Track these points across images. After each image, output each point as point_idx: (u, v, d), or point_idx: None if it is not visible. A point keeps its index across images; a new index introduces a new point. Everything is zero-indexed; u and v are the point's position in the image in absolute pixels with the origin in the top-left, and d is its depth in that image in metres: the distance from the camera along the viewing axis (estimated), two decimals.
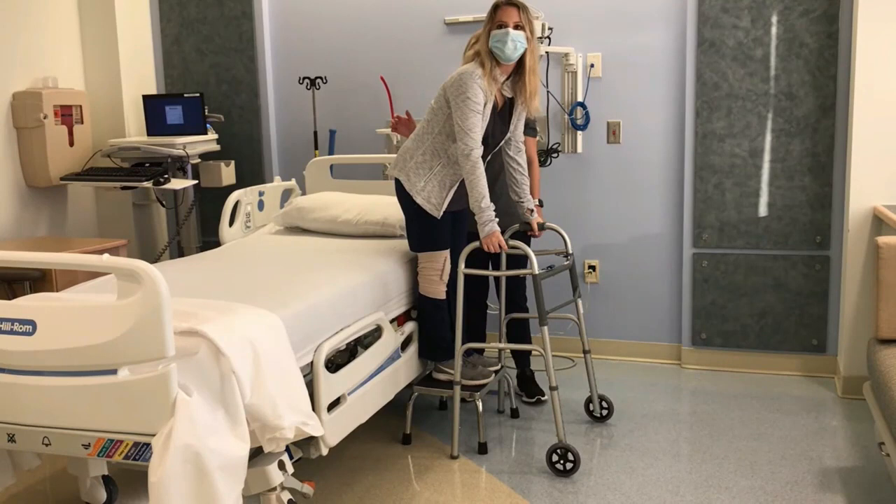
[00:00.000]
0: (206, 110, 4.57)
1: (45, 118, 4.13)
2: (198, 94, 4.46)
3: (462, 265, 3.11)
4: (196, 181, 4.45)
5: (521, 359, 3.82)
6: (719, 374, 4.06)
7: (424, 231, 3.20)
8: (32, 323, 2.13)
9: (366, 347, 2.96)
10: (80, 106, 4.38)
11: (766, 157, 3.94)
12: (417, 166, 3.15)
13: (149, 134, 4.51)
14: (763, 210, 3.97)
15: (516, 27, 3.02)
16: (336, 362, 2.86)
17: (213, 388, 2.13)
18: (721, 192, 4.01)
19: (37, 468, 2.73)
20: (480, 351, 3.60)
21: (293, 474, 2.41)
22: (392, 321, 3.15)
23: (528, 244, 3.13)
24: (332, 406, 2.66)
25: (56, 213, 4.43)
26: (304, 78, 4.65)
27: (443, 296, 3.25)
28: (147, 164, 4.29)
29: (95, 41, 4.58)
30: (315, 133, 4.63)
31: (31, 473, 3.07)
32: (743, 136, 3.96)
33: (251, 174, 4.83)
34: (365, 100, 4.64)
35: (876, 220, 3.62)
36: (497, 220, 3.04)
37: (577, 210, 4.31)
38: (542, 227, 3.36)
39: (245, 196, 3.85)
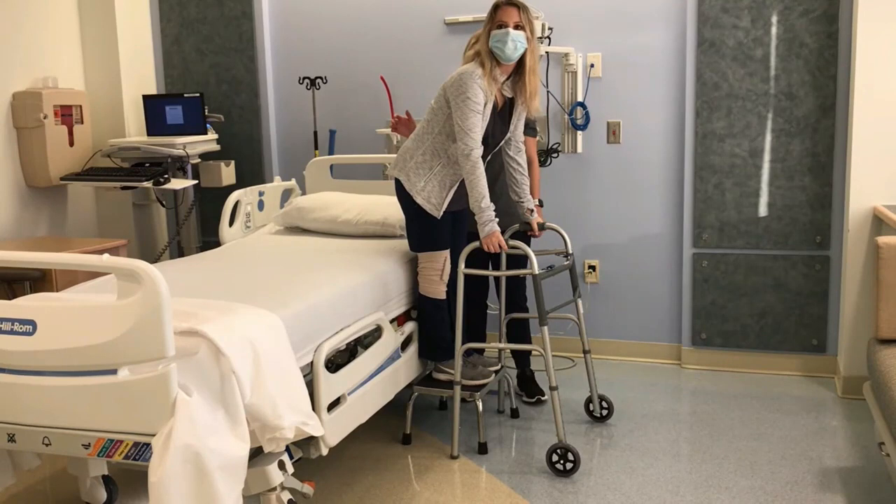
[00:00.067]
0: (206, 110, 4.57)
1: (45, 118, 4.13)
2: (198, 94, 4.46)
3: (462, 265, 3.11)
4: (196, 181, 4.45)
5: (521, 359, 3.82)
6: (719, 374, 4.06)
7: (424, 231, 3.20)
8: (32, 323, 2.13)
9: (366, 347, 2.96)
10: (80, 106, 4.38)
11: (766, 157, 3.94)
12: (417, 166, 3.15)
13: (149, 134, 4.51)
14: (763, 210, 3.97)
15: (516, 27, 3.02)
16: (336, 362, 2.86)
17: (213, 388, 2.13)
18: (721, 192, 4.01)
19: (37, 468, 2.72)
20: (480, 351, 3.60)
21: (293, 474, 2.41)
22: (392, 321, 3.15)
23: (528, 244, 3.13)
24: (332, 406, 2.66)
25: (56, 213, 4.43)
26: (304, 78, 4.65)
27: (443, 296, 3.25)
28: (147, 164, 4.29)
29: (95, 41, 4.58)
30: (315, 133, 4.63)
31: (31, 473, 3.07)
32: (743, 136, 3.96)
33: (251, 174, 4.83)
34: (365, 100, 4.64)
35: (876, 220, 3.62)
36: (497, 220, 3.04)
37: (577, 210, 4.31)
38: (542, 227, 3.36)
39: (245, 196, 3.85)
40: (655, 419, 3.50)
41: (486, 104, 3.04)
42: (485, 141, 3.07)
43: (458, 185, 3.18)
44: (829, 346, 3.97)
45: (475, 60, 3.07)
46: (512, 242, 3.05)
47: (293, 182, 4.24)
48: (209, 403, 2.11)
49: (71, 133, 4.32)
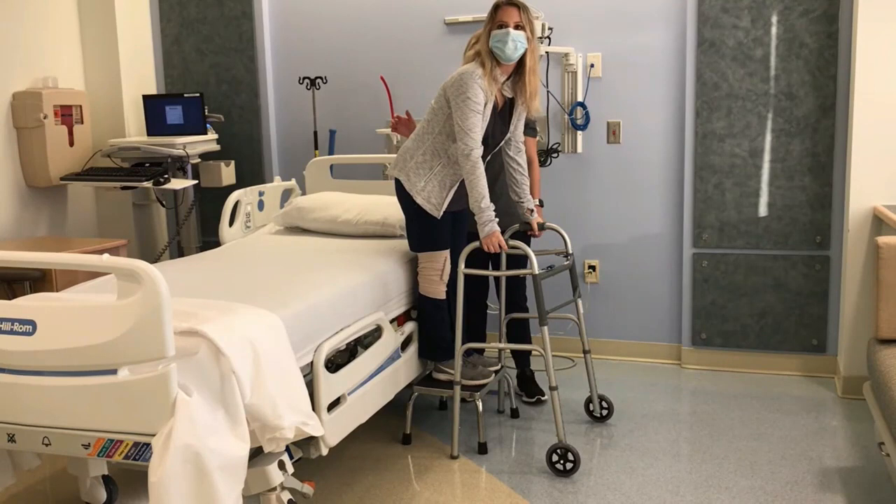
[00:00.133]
0: (206, 110, 4.57)
1: (45, 118, 4.13)
2: (198, 94, 4.46)
3: (462, 265, 3.11)
4: (196, 181, 4.45)
5: (521, 359, 3.82)
6: (719, 374, 4.06)
7: (424, 231, 3.20)
8: (32, 323, 2.13)
9: (366, 347, 2.96)
10: (80, 106, 4.38)
11: (766, 157, 3.94)
12: (417, 166, 3.15)
13: (149, 134, 4.51)
14: (763, 210, 3.97)
15: (517, 27, 3.02)
16: (336, 362, 2.87)
17: (213, 388, 2.13)
18: (721, 192, 4.01)
19: (37, 468, 2.72)
20: (480, 351, 3.60)
21: (293, 474, 2.41)
22: (392, 321, 3.15)
23: (528, 244, 3.13)
24: (332, 406, 2.66)
25: (56, 213, 4.43)
26: (304, 78, 4.65)
27: (443, 296, 3.25)
28: (147, 164, 4.29)
29: (95, 41, 4.58)
30: (315, 133, 4.63)
31: (31, 473, 3.07)
32: (743, 136, 3.96)
33: (251, 174, 4.83)
34: (365, 100, 4.64)
35: (876, 220, 3.62)
36: (497, 220, 3.04)
37: (577, 210, 4.31)
38: (542, 227, 3.36)
39: (245, 196, 3.85)
40: (655, 419, 3.50)
41: (486, 104, 3.04)
42: (485, 141, 3.07)
43: (458, 185, 3.18)
44: (829, 346, 3.97)
45: (475, 60, 3.07)
46: (512, 242, 3.05)
47: (293, 182, 4.24)
48: (209, 403, 2.11)
49: (71, 133, 4.32)
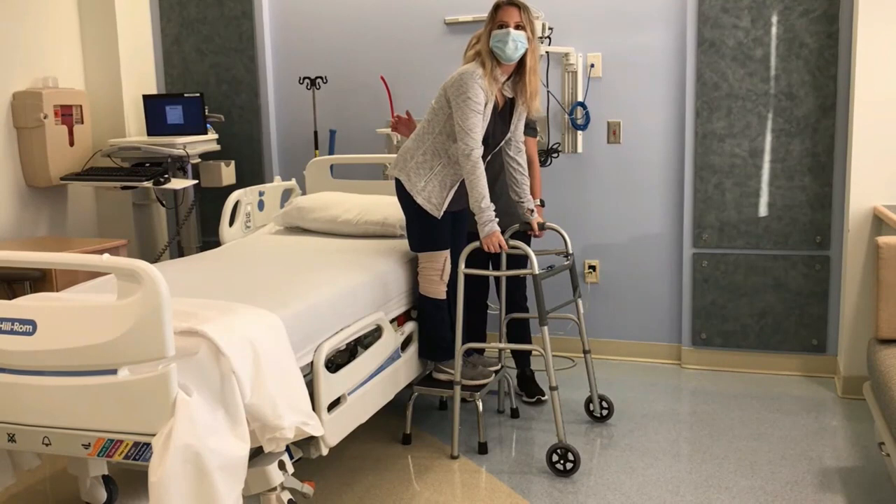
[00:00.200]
0: (207, 110, 4.57)
1: (45, 118, 4.13)
2: (198, 94, 4.46)
3: (462, 265, 3.11)
4: (196, 181, 4.45)
5: (522, 359, 3.82)
6: (719, 374, 4.06)
7: (425, 231, 3.20)
8: (32, 323, 2.13)
9: (366, 347, 2.96)
10: (80, 106, 4.38)
11: (766, 157, 3.94)
12: (418, 166, 3.15)
13: (149, 134, 4.51)
14: (763, 210, 3.97)
15: (517, 27, 3.02)
16: (336, 362, 2.86)
17: (213, 388, 2.13)
18: (721, 192, 4.01)
19: (37, 468, 2.72)
20: (480, 351, 3.60)
21: (293, 474, 2.41)
22: (392, 321, 3.15)
23: (529, 244, 3.13)
24: (332, 406, 2.66)
25: (56, 213, 4.43)
26: (304, 78, 4.65)
27: (443, 296, 3.25)
28: (147, 164, 4.29)
29: (95, 41, 4.58)
30: (315, 133, 4.63)
31: (31, 473, 3.07)
32: (743, 136, 3.96)
33: (251, 174, 4.83)
34: (365, 100, 4.64)
35: (876, 220, 3.62)
36: (497, 220, 3.04)
37: (577, 210, 4.31)
38: (542, 226, 3.36)
39: (245, 196, 3.85)
40: (655, 419, 3.50)
41: (486, 104, 3.04)
42: (485, 141, 3.07)
43: (458, 185, 3.18)
44: (829, 346, 3.97)
45: (476, 60, 3.07)
46: (512, 242, 3.05)
47: (293, 182, 4.24)
48: (209, 403, 2.11)
49: (71, 133, 4.32)
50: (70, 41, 4.52)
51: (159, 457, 1.97)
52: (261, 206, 3.99)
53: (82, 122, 4.39)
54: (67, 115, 4.29)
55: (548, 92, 4.23)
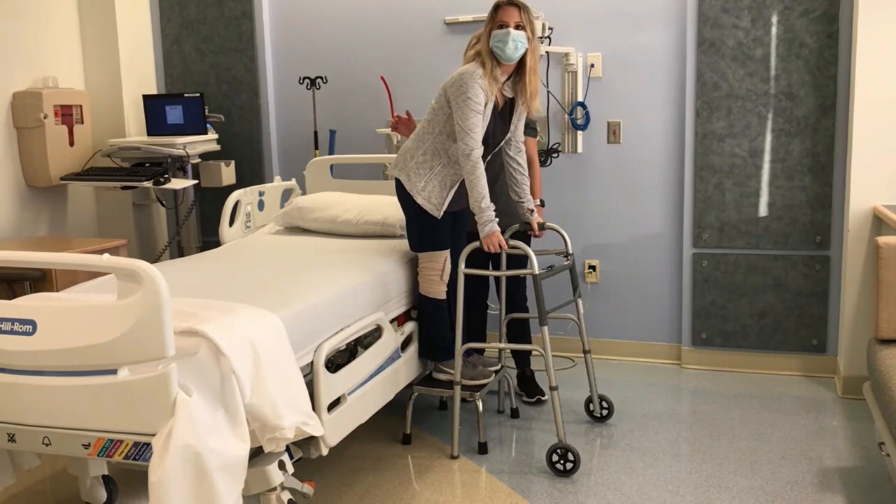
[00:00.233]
0: (206, 110, 4.57)
1: (45, 118, 4.13)
2: (198, 94, 4.46)
3: (462, 265, 3.11)
4: (196, 181, 4.45)
5: (522, 359, 3.82)
6: (719, 374, 4.06)
7: (425, 231, 3.20)
8: (32, 323, 2.13)
9: (366, 347, 2.96)
10: (80, 106, 4.38)
11: (766, 157, 3.94)
12: (418, 166, 3.15)
13: (149, 134, 4.51)
14: (763, 210, 3.97)
15: (517, 27, 3.02)
16: (336, 362, 2.86)
17: (213, 388, 2.13)
18: (721, 192, 4.01)
19: (37, 468, 2.72)
20: (480, 351, 3.60)
21: (293, 474, 2.41)
22: (392, 321, 3.15)
23: (529, 244, 3.13)
24: (332, 406, 2.66)
25: (56, 213, 4.43)
26: (304, 78, 4.65)
27: (443, 296, 3.25)
28: (147, 164, 4.29)
29: (95, 41, 4.58)
30: (315, 133, 4.63)
31: (31, 473, 3.07)
32: (743, 136, 3.96)
33: (251, 174, 4.83)
34: (365, 100, 4.64)
35: (876, 220, 3.62)
36: (497, 220, 3.04)
37: (577, 210, 4.31)
38: (542, 226, 3.36)
39: (245, 196, 3.85)
40: (655, 419, 3.50)
41: (486, 104, 3.04)
42: (485, 141, 3.07)
43: (458, 185, 3.18)
44: (829, 346, 3.97)
45: (476, 60, 3.07)
46: (512, 242, 3.05)
47: (293, 182, 4.24)
48: (209, 403, 2.11)
49: (71, 133, 4.32)
50: (70, 41, 4.52)
51: (159, 457, 1.97)
52: (261, 206, 3.99)
53: (82, 122, 4.39)
54: (67, 115, 4.29)
55: (548, 92, 4.23)
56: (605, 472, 3.02)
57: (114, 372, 2.07)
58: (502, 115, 3.19)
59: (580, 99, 4.21)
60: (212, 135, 4.54)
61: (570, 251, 3.38)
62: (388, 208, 3.63)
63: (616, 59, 4.17)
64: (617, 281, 4.31)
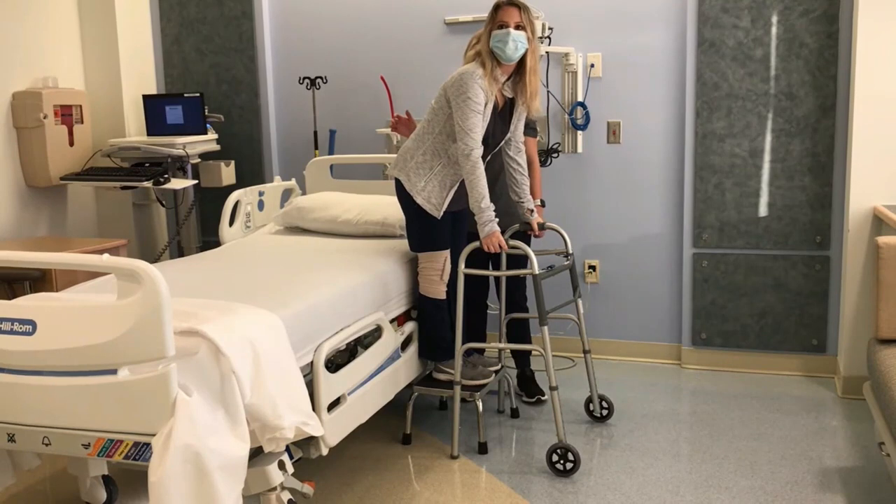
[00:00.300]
0: (206, 110, 4.57)
1: (45, 118, 4.13)
2: (198, 94, 4.46)
3: (462, 265, 3.11)
4: (196, 181, 4.45)
5: (521, 359, 3.82)
6: (719, 374, 4.06)
7: (424, 231, 3.20)
8: (32, 323, 2.13)
9: (366, 347, 2.96)
10: (80, 106, 4.38)
11: (766, 157, 3.94)
12: (418, 166, 3.15)
13: (149, 134, 4.51)
14: (763, 210, 3.97)
15: (517, 27, 3.02)
16: (336, 362, 2.87)
17: (213, 388, 2.13)
18: (721, 192, 4.01)
19: (37, 468, 2.72)
20: (480, 351, 3.60)
21: (293, 474, 2.41)
22: (392, 321, 3.15)
23: (529, 244, 3.13)
24: (332, 406, 2.66)
25: (56, 213, 4.43)
26: (304, 78, 4.65)
27: (443, 296, 3.25)
28: (147, 164, 4.29)
29: (95, 41, 4.58)
30: (315, 133, 4.63)
31: (31, 473, 3.07)
32: (743, 136, 3.96)
33: (251, 174, 4.83)
34: (365, 100, 4.64)
35: (876, 220, 3.62)
36: (497, 220, 3.04)
37: (577, 210, 4.31)
38: (542, 226, 3.36)
39: (245, 196, 3.85)
40: (655, 419, 3.50)
41: (486, 104, 3.04)
42: (485, 141, 3.07)
43: (458, 185, 3.18)
44: (829, 346, 3.97)
45: (476, 60, 3.07)
46: (512, 242, 3.05)
47: (293, 182, 4.24)
48: (209, 403, 2.11)
49: (71, 133, 4.32)
50: (70, 41, 4.52)
51: (159, 457, 1.97)
52: (261, 206, 3.99)
53: (82, 122, 4.39)
54: (67, 115, 4.29)
55: (548, 92, 4.23)
56: (605, 472, 3.02)
57: (114, 372, 2.07)
58: (502, 116, 3.19)
59: (580, 99, 4.21)
60: (212, 135, 4.54)
61: (570, 251, 3.38)
62: (388, 208, 3.63)
63: (616, 59, 4.17)
64: (617, 281, 4.31)
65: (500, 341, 3.55)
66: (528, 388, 3.74)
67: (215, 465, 2.03)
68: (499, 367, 3.42)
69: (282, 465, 2.34)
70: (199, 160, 4.50)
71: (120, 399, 2.07)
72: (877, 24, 3.54)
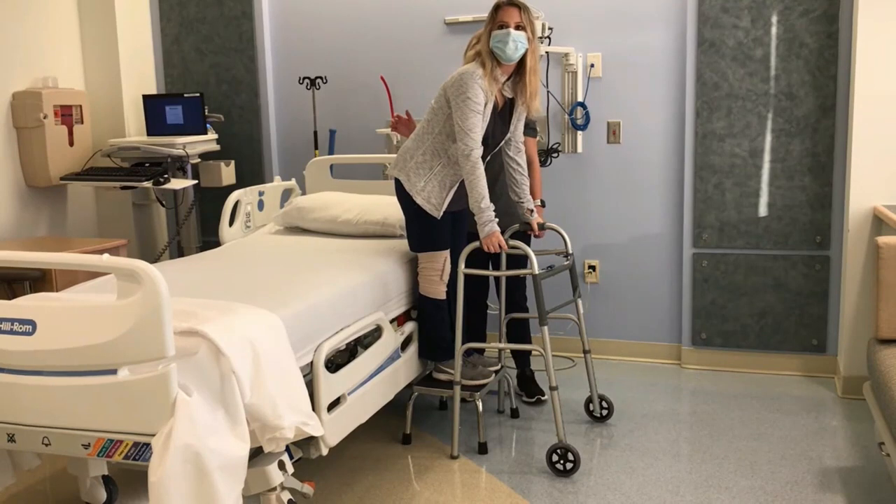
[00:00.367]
0: (206, 110, 4.57)
1: (45, 118, 4.13)
2: (198, 94, 4.46)
3: (462, 265, 3.11)
4: (196, 181, 4.45)
5: (521, 359, 3.82)
6: (719, 374, 4.06)
7: (424, 231, 3.20)
8: (32, 323, 2.13)
9: (366, 347, 2.96)
10: (80, 106, 4.38)
11: (766, 157, 3.94)
12: (417, 166, 3.15)
13: (149, 134, 4.51)
14: (763, 210, 3.97)
15: (517, 27, 3.02)
16: (336, 362, 2.86)
17: (213, 388, 2.13)
18: (721, 192, 4.01)
19: (37, 468, 2.72)
20: (480, 351, 3.60)
21: (293, 474, 2.41)
22: (392, 321, 3.15)
23: (529, 244, 3.13)
24: (332, 406, 2.66)
25: (56, 213, 4.43)
26: (304, 78, 4.65)
27: (443, 296, 3.25)
28: (147, 164, 4.29)
29: (95, 41, 4.58)
30: (315, 133, 4.63)
31: (31, 473, 3.07)
32: (743, 136, 3.96)
33: (251, 174, 4.83)
34: (365, 100, 4.64)
35: (876, 220, 3.62)
36: (497, 220, 3.04)
37: (577, 210, 4.31)
38: (542, 227, 3.36)
39: (245, 196, 3.85)
40: (655, 419, 3.50)
41: (486, 104, 3.04)
42: (485, 141, 3.07)
43: (458, 185, 3.18)
44: (829, 346, 3.97)
45: (476, 60, 3.07)
46: (512, 242, 3.05)
47: (293, 182, 4.24)
48: (209, 403, 2.11)
49: (71, 133, 4.32)
50: (70, 41, 4.52)
51: (159, 457, 1.97)
52: (261, 206, 3.99)
53: (82, 122, 4.39)
54: (67, 115, 4.29)
55: (548, 92, 4.23)
56: (605, 472, 3.02)
57: (114, 372, 2.07)
58: (502, 116, 3.19)
59: (580, 99, 4.21)
60: (212, 135, 4.54)
61: (570, 251, 3.38)
62: (388, 208, 3.63)
63: (616, 59, 4.17)
64: (617, 281, 4.31)
65: (500, 341, 3.55)
66: (528, 388, 3.74)
67: (215, 465, 2.03)
68: (499, 367, 3.42)
69: (282, 465, 2.34)
70: (199, 160, 4.50)
71: (120, 399, 2.07)
72: (877, 24, 3.54)
